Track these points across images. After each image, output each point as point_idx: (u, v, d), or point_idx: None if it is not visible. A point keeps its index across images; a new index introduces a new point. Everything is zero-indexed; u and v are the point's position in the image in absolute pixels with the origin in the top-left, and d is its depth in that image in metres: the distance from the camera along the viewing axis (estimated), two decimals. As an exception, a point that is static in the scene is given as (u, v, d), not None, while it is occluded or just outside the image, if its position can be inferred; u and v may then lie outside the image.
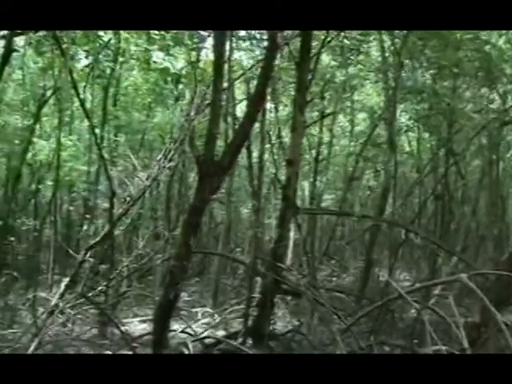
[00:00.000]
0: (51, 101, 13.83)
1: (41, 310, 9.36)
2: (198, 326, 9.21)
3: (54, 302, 9.33)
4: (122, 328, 8.38)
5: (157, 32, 10.43)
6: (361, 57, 12.72)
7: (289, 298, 9.91)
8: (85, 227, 11.87)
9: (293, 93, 10.45)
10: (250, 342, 8.04)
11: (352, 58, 12.48)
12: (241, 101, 12.81)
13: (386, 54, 12.01)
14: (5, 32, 9.97)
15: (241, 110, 15.17)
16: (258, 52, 11.75)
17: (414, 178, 16.68)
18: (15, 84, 14.23)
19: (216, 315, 10.10)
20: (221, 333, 9.09)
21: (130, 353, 7.34)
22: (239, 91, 13.58)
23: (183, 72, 10.29)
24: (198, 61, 10.98)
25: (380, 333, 8.36)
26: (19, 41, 10.25)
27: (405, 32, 10.11)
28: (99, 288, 9.71)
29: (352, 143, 15.14)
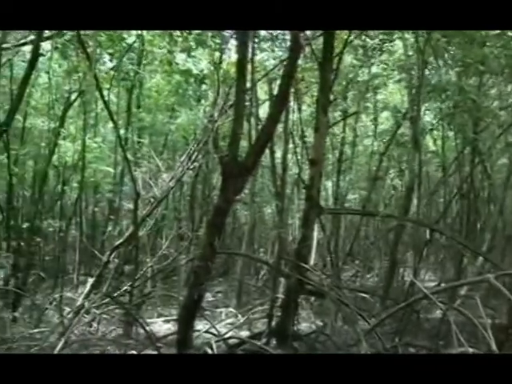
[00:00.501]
0: (76, 103, 14.05)
1: (67, 309, 9.50)
2: (222, 327, 9.24)
3: (79, 301, 9.48)
4: (147, 328, 8.46)
5: (179, 33, 10.51)
6: (384, 56, 12.63)
7: (313, 298, 9.89)
8: (109, 228, 12.00)
9: (316, 93, 10.43)
10: (273, 342, 8.04)
11: (375, 57, 12.40)
12: (264, 101, 12.81)
13: (410, 53, 11.90)
14: (32, 37, 10.18)
15: (264, 110, 15.24)
16: (280, 53, 11.74)
17: (439, 177, 16.50)
18: (41, 88, 14.45)
19: (240, 315, 10.12)
20: (245, 333, 9.12)
21: (155, 352, 7.40)
22: (261, 92, 13.61)
23: (206, 73, 10.33)
24: (221, 62, 11.02)
25: (405, 334, 8.29)
26: (45, 45, 10.39)
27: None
28: (124, 288, 9.81)
29: (375, 142, 15.02)
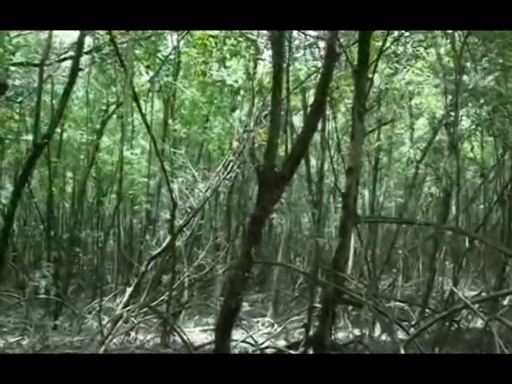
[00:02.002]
0: (114, 116, 14.34)
1: (106, 318, 9.64)
2: (259, 336, 9.25)
3: (118, 311, 9.61)
4: (184, 337, 8.53)
5: (214, 44, 10.63)
6: (419, 62, 12.51)
7: (350, 307, 9.81)
8: (147, 238, 12.15)
9: (351, 101, 10.41)
10: (311, 352, 8.00)
11: (409, 63, 12.29)
12: (298, 111, 12.84)
13: (446, 58, 11.75)
14: (71, 53, 10.46)
15: (298, 119, 15.23)
16: (313, 62, 11.76)
17: (478, 184, 16.18)
18: (80, 101, 14.79)
19: (276, 325, 10.10)
20: (282, 343, 9.09)
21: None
22: (294, 101, 13.61)
23: (240, 83, 10.40)
24: (255, 72, 11.08)
25: (445, 344, 8.14)
26: (83, 59, 10.65)
27: (465, 33, 9.89)
28: (161, 298, 9.90)
29: (412, 150, 14.83)
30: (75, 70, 8.34)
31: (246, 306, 12.88)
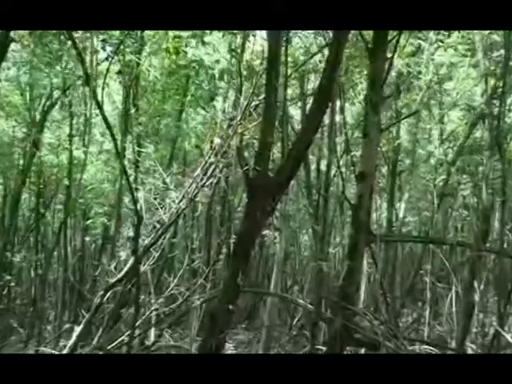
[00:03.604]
0: (59, 104, 14.46)
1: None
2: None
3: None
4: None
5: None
6: (452, 36, 12.70)
7: (363, 350, 10.03)
8: (103, 262, 12.29)
9: (364, 88, 10.61)
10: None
11: (439, 38, 12.48)
12: (297, 100, 12.98)
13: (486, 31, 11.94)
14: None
15: (297, 112, 15.40)
16: (316, 38, 12.00)
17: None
18: (11, 84, 14.70)
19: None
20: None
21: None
22: (292, 88, 13.64)
23: (223, 65, 10.56)
24: (243, 51, 11.25)
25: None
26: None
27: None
28: (121, 338, 10.01)
29: (441, 149, 15.01)
30: (4, 42, 8.35)
31: (229, 349, 13.04)
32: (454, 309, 13.98)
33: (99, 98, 10.18)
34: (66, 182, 13.32)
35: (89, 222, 15.34)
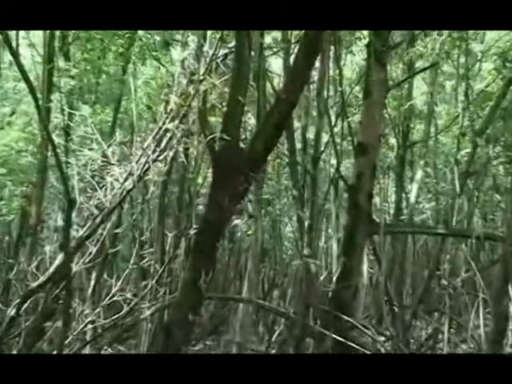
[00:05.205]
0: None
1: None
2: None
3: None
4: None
5: None
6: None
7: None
8: (21, 260, 12.27)
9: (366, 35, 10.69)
10: None
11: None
12: (277, 50, 12.88)
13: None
14: None
15: (278, 64, 15.45)
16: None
17: None
18: None
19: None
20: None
21: None
22: (271, 34, 13.64)
23: None
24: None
25: None
26: None
27: None
28: (47, 359, 10.07)
29: (466, 114, 15.02)
30: None
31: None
32: (481, 321, 14.18)
33: (13, 43, 10.08)
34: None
35: (0, 205, 15.24)
